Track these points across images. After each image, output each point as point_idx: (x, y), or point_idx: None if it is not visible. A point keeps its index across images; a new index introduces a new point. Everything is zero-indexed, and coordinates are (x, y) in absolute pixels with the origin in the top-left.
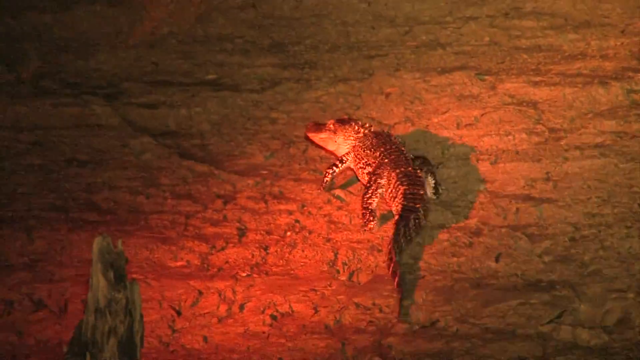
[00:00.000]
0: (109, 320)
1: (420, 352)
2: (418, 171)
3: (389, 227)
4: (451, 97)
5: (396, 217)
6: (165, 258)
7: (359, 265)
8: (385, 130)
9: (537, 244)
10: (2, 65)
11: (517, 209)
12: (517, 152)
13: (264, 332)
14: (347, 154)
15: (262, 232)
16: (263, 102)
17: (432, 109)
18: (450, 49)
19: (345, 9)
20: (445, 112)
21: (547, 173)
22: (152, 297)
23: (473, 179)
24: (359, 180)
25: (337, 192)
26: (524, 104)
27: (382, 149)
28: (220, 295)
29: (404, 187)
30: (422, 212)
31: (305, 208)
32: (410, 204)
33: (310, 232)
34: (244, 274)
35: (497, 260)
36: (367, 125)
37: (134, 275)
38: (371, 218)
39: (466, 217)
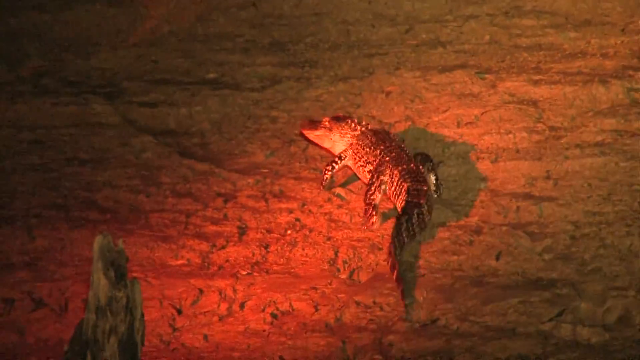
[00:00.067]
0: (109, 318)
1: (420, 350)
2: (420, 167)
3: (391, 226)
4: (451, 96)
5: (399, 214)
6: (165, 256)
7: (359, 264)
8: (385, 129)
9: (537, 242)
10: (2, 64)
11: (518, 207)
12: (518, 151)
13: (264, 331)
14: (345, 150)
15: (262, 230)
16: (263, 100)
17: (433, 107)
18: (451, 47)
19: (345, 8)
20: (446, 111)
21: (548, 171)
22: (152, 296)
23: (473, 178)
24: (359, 178)
25: (338, 190)
26: (525, 102)
27: (382, 147)
28: (220, 293)
29: (408, 184)
30: (426, 207)
31: (305, 206)
32: (415, 200)
33: (310, 231)
34: (245, 273)
35: (497, 258)
36: (364, 122)
37: (135, 274)
38: (374, 213)
39: (467, 216)
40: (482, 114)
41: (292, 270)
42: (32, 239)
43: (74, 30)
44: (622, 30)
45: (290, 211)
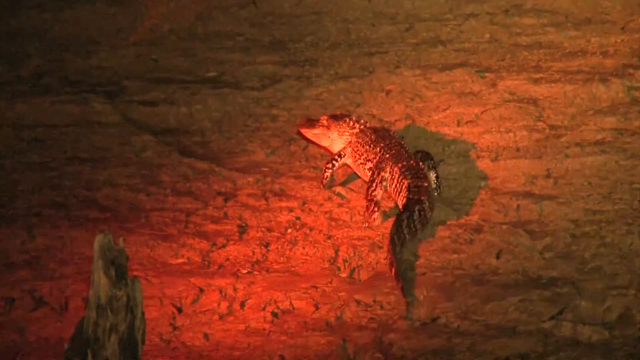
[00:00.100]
0: (110, 317)
1: (421, 348)
2: (420, 164)
3: (391, 224)
4: (452, 95)
5: (401, 210)
6: (166, 255)
7: (359, 262)
8: (385, 127)
9: (537, 241)
10: (2, 63)
11: (518, 205)
12: (518, 149)
13: (264, 329)
14: (344, 148)
15: (262, 229)
16: (264, 99)
17: (433, 106)
18: (451, 46)
19: (345, 7)
20: (446, 109)
21: (548, 170)
22: (153, 295)
23: (474, 176)
24: (359, 177)
25: (338, 189)
26: (525, 101)
27: (382, 144)
28: (221, 292)
29: (408, 181)
30: (427, 204)
31: (306, 205)
32: (416, 197)
33: (311, 229)
34: (245, 271)
35: (498, 257)
36: (362, 120)
37: (135, 273)
38: (376, 209)
39: (467, 214)
40: (482, 112)
41: (293, 268)
42: (33, 238)
43: (74, 30)
44: (622, 28)
45: (291, 210)
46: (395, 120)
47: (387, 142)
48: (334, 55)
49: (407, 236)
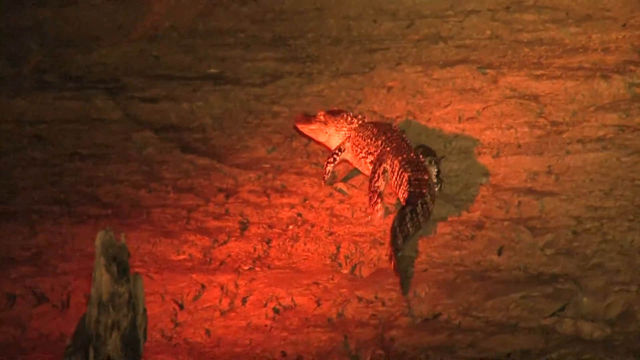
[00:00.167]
0: (112, 314)
1: (422, 345)
2: (421, 157)
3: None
4: (453, 91)
5: (403, 205)
6: (167, 252)
7: (361, 259)
8: (385, 122)
9: (539, 237)
10: (4, 59)
11: (520, 202)
12: (519, 146)
13: (266, 326)
14: (343, 143)
15: (264, 225)
16: (265, 96)
17: (434, 102)
18: (452, 42)
19: (346, 3)
20: (447, 106)
21: (549, 166)
22: (154, 291)
23: (475, 173)
24: (360, 172)
25: (339, 185)
26: (526, 97)
27: (383, 138)
28: (222, 288)
29: (408, 174)
30: (428, 197)
31: (307, 201)
32: (417, 190)
33: (312, 226)
34: (246, 268)
35: (499, 253)
36: (360, 115)
37: (136, 269)
38: (378, 201)
39: (468, 211)
40: (483, 109)
41: (294, 265)
42: (34, 234)
43: (75, 26)
44: (624, 25)
45: (292, 206)
46: (397, 117)
47: (388, 136)
48: (335, 52)
49: (410, 230)
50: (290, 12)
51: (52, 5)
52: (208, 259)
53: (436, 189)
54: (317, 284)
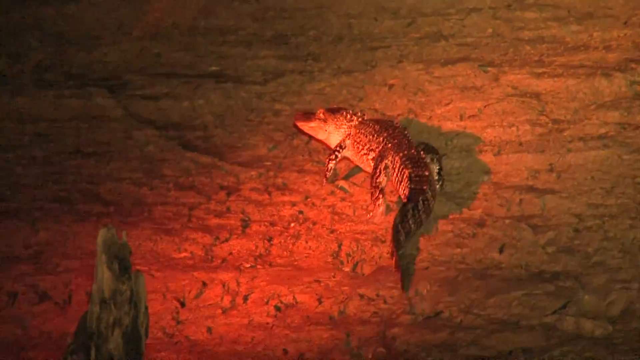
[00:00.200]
0: (113, 311)
1: (424, 342)
2: (422, 153)
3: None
4: (454, 89)
5: (404, 202)
6: (169, 249)
7: (362, 256)
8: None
9: (540, 235)
10: (5, 57)
11: (521, 200)
12: (521, 144)
13: (268, 323)
14: (344, 140)
15: (265, 223)
16: (266, 93)
17: (436, 100)
18: (453, 40)
19: (348, 1)
20: (449, 104)
21: (551, 164)
22: (156, 289)
23: (476, 170)
24: (362, 170)
25: (341, 183)
26: (527, 95)
27: (385, 134)
28: (224, 286)
29: (409, 170)
30: (429, 193)
31: (309, 199)
32: (418, 187)
33: (314, 224)
34: (248, 265)
35: (501, 251)
36: (359, 113)
37: (138, 267)
38: (380, 196)
39: (470, 208)
40: (485, 106)
41: (296, 263)
42: (36, 232)
43: (76, 24)
44: (625, 23)
45: (294, 204)
46: (398, 115)
47: (390, 132)
48: (336, 50)
49: (412, 227)
50: (292, 9)
51: (53, 3)
52: (209, 257)
53: (437, 186)
54: (318, 281)
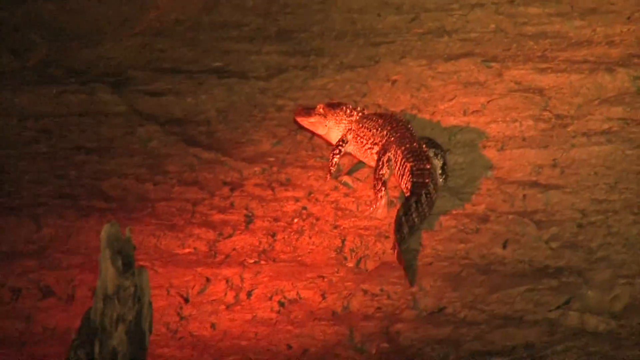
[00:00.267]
0: (117, 307)
1: (428, 338)
2: (424, 146)
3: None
4: (457, 84)
5: (407, 195)
6: (172, 245)
7: (366, 252)
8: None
9: (544, 231)
10: (8, 53)
11: (524, 195)
12: (524, 139)
13: (271, 319)
14: (345, 134)
15: (269, 219)
16: (269, 89)
17: (439, 96)
18: (457, 36)
19: None
20: (452, 99)
21: (554, 159)
22: (159, 284)
23: (480, 166)
24: (365, 164)
25: (344, 178)
26: (531, 90)
27: (389, 128)
28: (227, 282)
29: (411, 164)
30: (432, 186)
31: (312, 195)
32: (420, 180)
33: (317, 219)
34: (252, 261)
35: (504, 246)
36: (359, 108)
37: (142, 263)
38: (383, 188)
39: (473, 204)
40: (488, 102)
41: (299, 258)
42: (39, 228)
43: (79, 20)
44: (628, 18)
45: (297, 199)
46: (401, 110)
47: (393, 126)
48: (339, 45)
49: (415, 220)
50: (295, 5)
51: None
52: (213, 253)
53: (441, 180)
54: (322, 277)
